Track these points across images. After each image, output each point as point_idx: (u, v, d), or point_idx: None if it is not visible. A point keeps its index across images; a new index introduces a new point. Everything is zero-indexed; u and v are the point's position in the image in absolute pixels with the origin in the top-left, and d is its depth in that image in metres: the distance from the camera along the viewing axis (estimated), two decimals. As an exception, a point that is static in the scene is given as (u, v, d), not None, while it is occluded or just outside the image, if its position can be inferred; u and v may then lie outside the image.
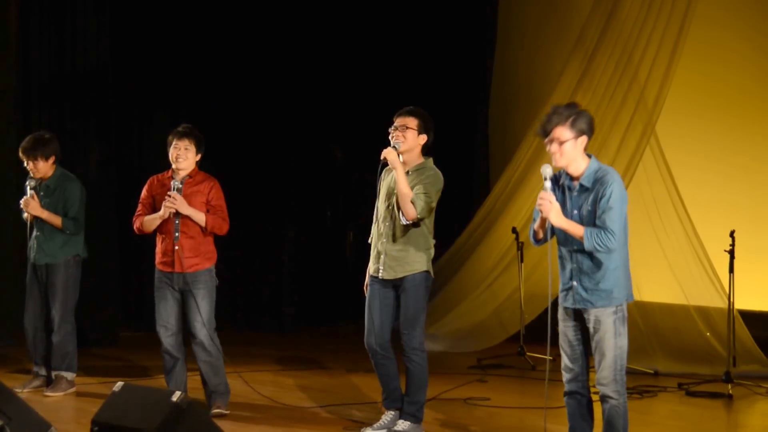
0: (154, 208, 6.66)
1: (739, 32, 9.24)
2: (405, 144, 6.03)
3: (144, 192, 6.77)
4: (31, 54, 9.51)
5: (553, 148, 4.99)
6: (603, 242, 4.89)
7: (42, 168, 7.30)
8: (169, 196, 6.50)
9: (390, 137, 6.08)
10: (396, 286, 6.11)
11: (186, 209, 6.52)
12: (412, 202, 5.90)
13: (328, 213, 11.54)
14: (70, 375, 7.37)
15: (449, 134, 11.19)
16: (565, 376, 5.19)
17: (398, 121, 6.10)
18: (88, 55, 9.59)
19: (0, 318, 9.29)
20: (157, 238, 6.72)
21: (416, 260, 6.06)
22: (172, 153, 6.62)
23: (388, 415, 6.20)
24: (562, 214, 4.96)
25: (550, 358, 5.61)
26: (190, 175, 6.66)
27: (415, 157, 6.11)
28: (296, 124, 10.93)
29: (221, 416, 6.52)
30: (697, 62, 9.26)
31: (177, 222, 6.58)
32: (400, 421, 6.11)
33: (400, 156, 6.03)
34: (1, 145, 9.27)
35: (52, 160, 7.35)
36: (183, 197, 6.54)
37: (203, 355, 6.61)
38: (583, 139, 5.01)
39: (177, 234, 6.59)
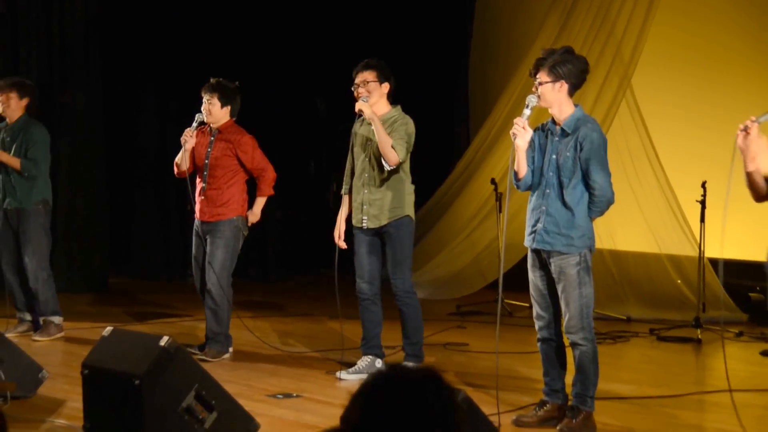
0: (194, 160, 6.78)
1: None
2: (371, 97, 6.09)
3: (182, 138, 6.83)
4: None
5: (536, 88, 5.09)
6: (601, 208, 5.02)
7: (13, 105, 7.23)
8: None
9: (355, 95, 6.14)
10: (380, 233, 6.16)
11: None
12: (393, 148, 5.95)
13: (312, 164, 11.53)
14: (57, 319, 7.36)
15: (430, 87, 11.21)
16: (537, 323, 5.26)
17: (358, 78, 6.16)
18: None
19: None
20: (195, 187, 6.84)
21: (398, 206, 6.12)
22: (202, 106, 6.72)
23: (365, 360, 6.26)
24: (527, 142, 5.06)
25: (527, 304, 5.65)
26: (220, 129, 6.72)
27: (383, 106, 6.17)
28: (280, 76, 10.88)
29: (206, 361, 6.46)
30: (672, 17, 9.24)
31: (205, 173, 6.68)
32: (405, 363, 6.16)
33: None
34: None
35: (24, 102, 7.28)
36: (213, 148, 6.68)
37: (210, 302, 6.69)
38: (561, 84, 5.05)
39: (204, 184, 6.70)
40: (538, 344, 5.29)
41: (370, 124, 6.10)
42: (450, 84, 11.43)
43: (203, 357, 6.60)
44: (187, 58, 10.22)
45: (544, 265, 5.17)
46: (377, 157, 6.08)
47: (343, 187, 6.40)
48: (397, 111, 6.20)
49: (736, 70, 8.89)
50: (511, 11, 10.92)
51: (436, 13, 11.22)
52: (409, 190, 6.20)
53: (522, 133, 5.04)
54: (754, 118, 4.32)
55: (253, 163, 6.73)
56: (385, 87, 6.16)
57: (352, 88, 6.18)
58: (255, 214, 6.85)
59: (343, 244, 6.32)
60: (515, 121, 5.07)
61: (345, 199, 6.37)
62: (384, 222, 6.12)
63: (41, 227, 7.31)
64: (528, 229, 5.19)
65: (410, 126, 6.13)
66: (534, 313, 5.28)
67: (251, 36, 10.60)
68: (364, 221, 6.17)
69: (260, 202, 6.86)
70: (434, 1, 11.21)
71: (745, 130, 4.29)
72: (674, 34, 9.32)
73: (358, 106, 6.07)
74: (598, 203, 5.05)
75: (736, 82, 8.69)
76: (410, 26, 11.00)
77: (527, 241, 5.20)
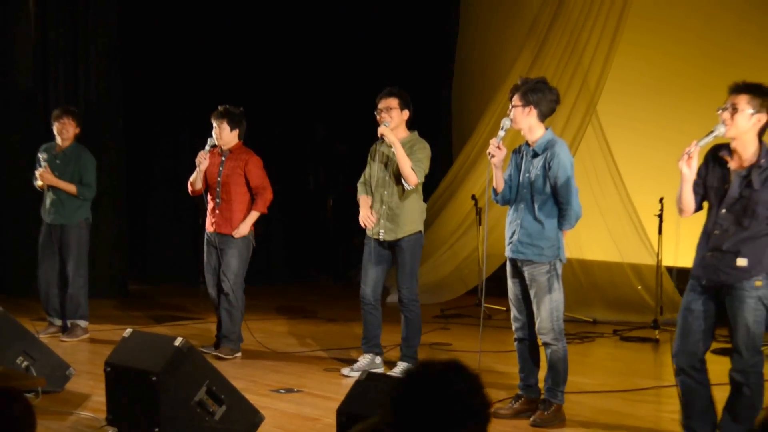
0: (205, 179, 6.78)
1: (671, 23, 9.26)
2: (393, 122, 6.07)
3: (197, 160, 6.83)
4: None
5: (510, 111, 5.15)
6: (570, 221, 5.05)
7: (70, 130, 7.29)
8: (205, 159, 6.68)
9: (378, 119, 6.10)
10: (392, 246, 6.15)
11: (244, 230, 6.66)
12: (413, 170, 5.96)
13: (311, 181, 11.56)
14: (83, 323, 7.38)
15: (416, 110, 11.17)
16: (514, 325, 5.29)
17: (381, 104, 6.11)
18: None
19: (17, 272, 9.28)
20: (207, 203, 6.83)
21: (412, 222, 6.11)
22: (213, 131, 6.72)
23: (365, 358, 6.25)
24: (502, 160, 5.11)
25: (505, 308, 5.67)
26: (230, 150, 6.73)
27: (402, 131, 6.15)
28: (283, 103, 10.92)
29: (221, 359, 6.54)
30: (634, 49, 9.27)
31: (218, 190, 6.68)
32: (400, 363, 6.16)
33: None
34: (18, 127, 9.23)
35: (77, 129, 7.36)
36: (225, 167, 6.69)
37: (226, 304, 6.71)
38: (530, 109, 5.09)
39: (218, 200, 6.69)
40: (515, 344, 5.32)
41: (390, 146, 6.09)
42: (434, 108, 11.44)
43: (219, 354, 6.63)
44: (197, 87, 10.26)
45: (519, 273, 5.19)
46: (396, 176, 6.06)
47: (359, 190, 6.31)
48: (415, 135, 6.18)
49: (689, 97, 8.91)
50: (490, 42, 10.93)
51: (422, 42, 11.23)
52: (422, 208, 6.20)
53: (497, 153, 5.07)
54: (696, 142, 4.36)
55: (256, 180, 6.75)
56: (405, 114, 6.14)
57: (375, 113, 6.13)
58: (246, 225, 6.71)
59: (371, 220, 6.16)
60: (491, 141, 5.11)
61: (364, 197, 6.25)
62: (399, 236, 6.10)
63: (82, 239, 7.35)
64: (506, 240, 5.23)
65: (427, 150, 6.13)
66: (511, 316, 5.30)
67: (257, 67, 10.63)
68: (381, 234, 6.15)
69: (252, 216, 6.75)
70: (420, 32, 11.21)
71: (689, 154, 4.32)
72: (635, 65, 9.36)
73: (380, 131, 6.03)
74: (567, 217, 5.08)
75: (690, 108, 8.71)
76: (398, 54, 11.01)
77: (506, 251, 5.23)
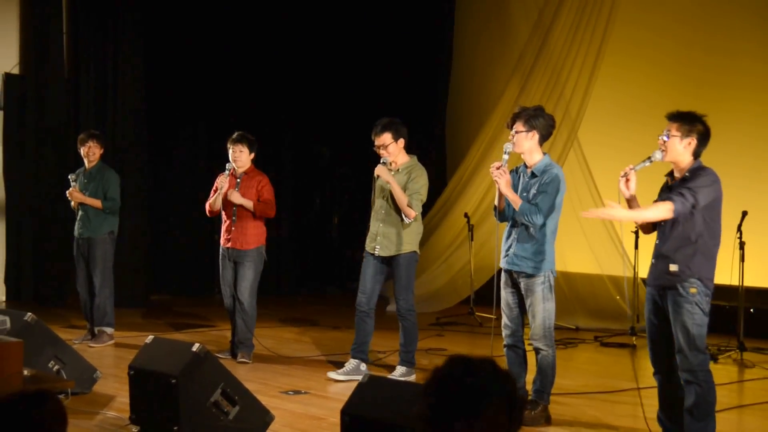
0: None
1: (644, 58, 9.31)
2: (391, 156, 6.08)
3: (216, 183, 6.79)
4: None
5: (512, 137, 5.12)
6: (529, 215, 5.00)
7: (96, 152, 7.32)
8: (223, 183, 6.63)
9: (379, 153, 6.10)
10: (389, 261, 6.13)
11: (238, 200, 6.59)
12: (409, 206, 5.97)
13: (317, 200, 11.57)
14: (109, 330, 7.37)
15: (413, 136, 11.19)
16: (504, 332, 5.26)
17: (378, 141, 6.09)
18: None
19: (51, 284, 9.30)
20: (222, 221, 6.80)
21: (407, 242, 6.09)
22: (231, 154, 6.69)
23: (352, 363, 6.21)
24: (510, 184, 5.07)
25: (494, 316, 5.68)
26: (246, 172, 6.73)
27: (403, 157, 6.14)
28: (291, 128, 10.94)
29: (244, 363, 6.56)
30: (611, 82, 9.32)
31: (234, 209, 6.65)
32: (399, 367, 6.13)
33: (391, 165, 6.08)
34: (57, 150, 9.27)
35: (102, 151, 7.39)
36: (240, 188, 6.65)
37: (242, 314, 6.69)
38: (534, 134, 5.09)
39: (234, 218, 6.66)
40: (504, 349, 5.28)
41: (390, 168, 6.07)
42: (429, 133, 11.46)
43: (245, 360, 6.64)
44: (213, 115, 10.28)
45: (514, 284, 5.17)
46: (395, 205, 6.06)
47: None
48: (414, 161, 6.16)
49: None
50: (481, 73, 10.96)
51: (419, 72, 11.23)
52: (418, 230, 6.16)
53: (501, 175, 5.06)
54: (632, 166, 4.41)
55: (267, 196, 6.73)
56: (401, 142, 6.11)
57: (375, 149, 6.10)
58: (237, 196, 6.57)
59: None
60: (495, 164, 5.07)
61: None
62: (393, 253, 6.09)
63: (107, 252, 7.35)
64: (503, 253, 5.20)
65: (425, 177, 6.11)
66: (503, 323, 5.26)
67: (268, 97, 10.66)
68: (377, 249, 6.13)
69: (246, 201, 6.59)
70: (417, 61, 11.21)
71: (625, 176, 4.38)
72: (611, 95, 9.40)
73: (377, 171, 6.04)
74: (523, 212, 5.01)
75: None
76: (397, 83, 11.02)
77: (502, 263, 5.21)
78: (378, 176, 6.11)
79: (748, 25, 8.60)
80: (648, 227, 4.57)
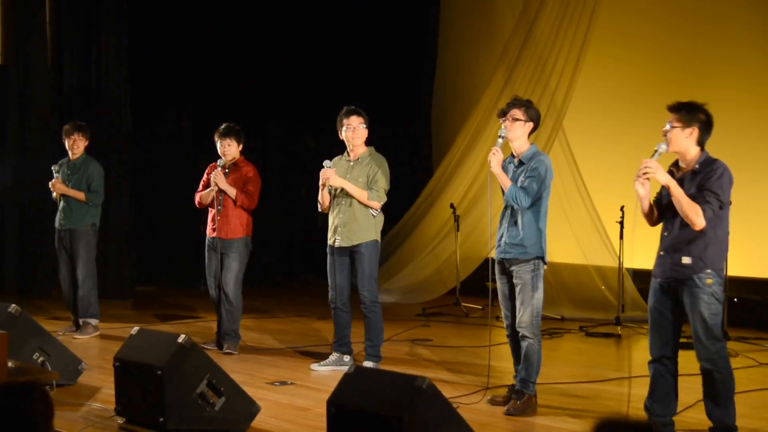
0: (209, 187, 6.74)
1: (629, 45, 9.31)
2: (359, 138, 6.10)
3: (205, 175, 6.81)
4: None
5: (507, 123, 5.15)
6: (516, 197, 5.05)
7: (80, 144, 7.28)
8: (216, 174, 6.62)
9: (342, 135, 6.12)
10: (350, 252, 6.09)
11: (222, 185, 6.59)
12: (372, 199, 5.97)
13: (303, 190, 11.53)
14: (94, 321, 7.35)
15: (399, 125, 11.23)
16: (505, 322, 5.31)
17: (354, 122, 6.09)
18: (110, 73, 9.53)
19: (35, 276, 9.25)
20: (209, 212, 6.78)
21: (367, 231, 6.05)
22: (219, 148, 6.68)
23: (334, 356, 6.21)
24: (501, 164, 5.14)
25: (480, 307, 5.69)
26: (234, 163, 6.71)
27: (363, 147, 6.15)
28: (277, 119, 10.92)
29: (230, 354, 6.55)
30: (596, 71, 9.33)
31: (220, 198, 6.63)
32: (365, 362, 6.08)
33: (351, 154, 6.08)
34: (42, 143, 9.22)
35: (86, 142, 7.36)
36: (228, 178, 6.64)
37: (227, 305, 6.68)
38: (530, 124, 5.15)
39: (219, 208, 6.64)
40: (507, 338, 5.32)
41: (348, 160, 6.09)
42: (414, 123, 11.45)
43: (230, 351, 6.62)
44: (199, 104, 10.25)
45: (507, 273, 5.20)
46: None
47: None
48: (372, 150, 6.18)
49: (647, 113, 8.99)
50: (466, 64, 10.97)
51: (404, 64, 11.22)
52: (379, 218, 6.13)
53: (494, 154, 5.11)
54: (647, 164, 4.35)
55: (252, 187, 6.73)
56: (365, 131, 6.15)
57: (344, 129, 6.08)
58: (223, 180, 6.60)
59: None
60: (492, 150, 5.13)
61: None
62: (355, 243, 6.05)
63: (90, 244, 7.32)
64: (496, 243, 5.26)
65: (384, 166, 6.09)
66: (502, 314, 5.32)
67: (250, 85, 10.63)
68: (337, 241, 6.10)
69: (231, 188, 6.60)
70: (403, 53, 11.19)
71: (646, 175, 4.33)
72: (598, 84, 9.41)
73: (322, 179, 6.05)
74: (511, 194, 5.06)
75: (646, 123, 8.79)
76: (385, 76, 11.01)
77: (495, 254, 5.26)
78: (326, 184, 6.08)
79: (734, 11, 8.58)
80: (653, 218, 4.56)
